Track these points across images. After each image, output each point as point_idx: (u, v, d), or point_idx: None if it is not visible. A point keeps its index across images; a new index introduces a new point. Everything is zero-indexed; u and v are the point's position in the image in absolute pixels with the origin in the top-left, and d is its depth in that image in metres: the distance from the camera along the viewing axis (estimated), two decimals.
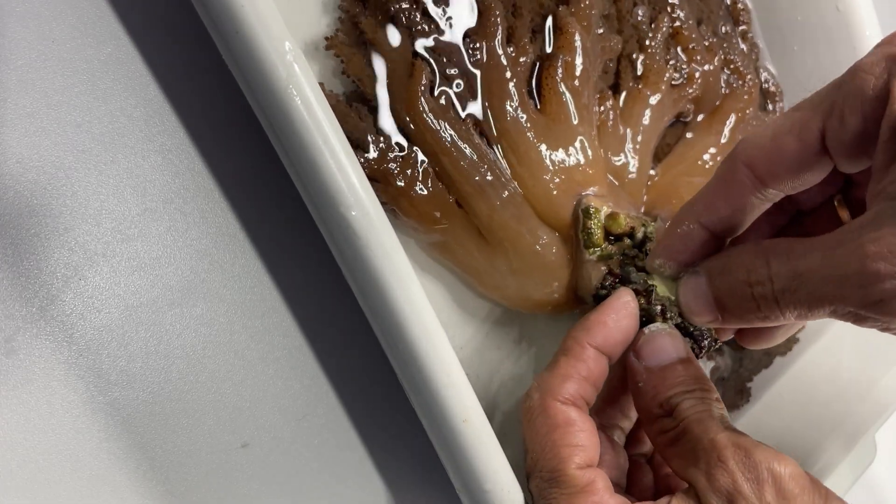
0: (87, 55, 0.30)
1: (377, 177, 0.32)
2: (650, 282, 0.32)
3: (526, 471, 0.30)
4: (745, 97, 0.41)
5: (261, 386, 0.33)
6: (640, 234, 0.34)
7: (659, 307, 0.32)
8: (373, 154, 0.31)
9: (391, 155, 0.32)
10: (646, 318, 0.32)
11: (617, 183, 0.37)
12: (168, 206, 0.31)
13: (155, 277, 0.31)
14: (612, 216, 0.34)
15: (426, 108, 0.32)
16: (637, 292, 0.32)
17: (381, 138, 0.32)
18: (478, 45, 0.33)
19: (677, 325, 0.32)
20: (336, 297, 0.34)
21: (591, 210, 0.34)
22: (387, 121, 0.32)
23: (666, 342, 0.31)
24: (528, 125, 0.34)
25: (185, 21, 0.32)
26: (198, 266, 0.32)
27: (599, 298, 0.33)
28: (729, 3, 0.43)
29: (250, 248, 0.33)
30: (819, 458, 0.38)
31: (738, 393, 0.42)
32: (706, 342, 0.33)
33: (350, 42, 0.32)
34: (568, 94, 0.35)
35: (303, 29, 0.32)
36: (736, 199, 0.28)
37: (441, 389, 0.28)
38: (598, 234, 0.34)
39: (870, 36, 0.40)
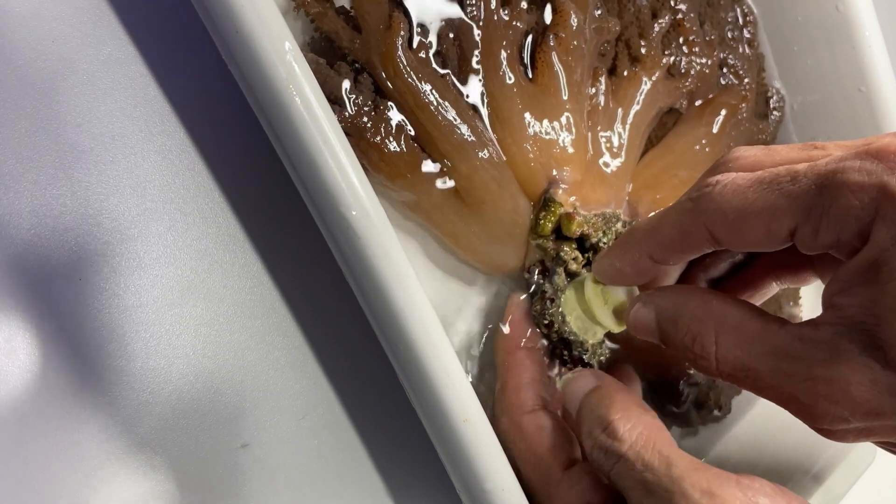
0: (87, 55, 0.30)
1: (349, 130, 0.31)
2: (561, 294, 0.33)
3: (529, 491, 0.30)
4: (740, 95, 0.42)
5: (261, 386, 0.33)
6: (593, 240, 0.34)
7: (546, 322, 0.33)
8: (348, 109, 0.31)
9: (365, 109, 0.31)
10: (535, 322, 0.34)
11: (603, 166, 0.37)
12: (168, 206, 0.32)
13: (155, 277, 0.31)
14: (567, 217, 0.33)
15: (404, 62, 0.31)
16: (543, 295, 0.33)
17: (357, 93, 0.31)
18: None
19: (561, 339, 0.33)
20: (336, 297, 0.34)
21: (552, 203, 0.34)
22: (363, 76, 0.32)
23: (574, 386, 0.31)
24: (516, 90, 0.33)
25: (185, 21, 0.32)
26: (198, 266, 0.32)
27: (524, 281, 0.35)
28: (739, 13, 0.43)
29: (250, 248, 0.33)
30: (818, 459, 0.38)
31: (721, 405, 0.42)
32: (593, 363, 0.34)
33: None
34: (560, 68, 0.34)
35: None
36: (690, 249, 0.28)
37: (441, 389, 0.28)
38: (545, 226, 0.34)
39: (869, 36, 0.40)
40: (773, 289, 0.31)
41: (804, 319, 0.26)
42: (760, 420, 0.41)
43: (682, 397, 0.39)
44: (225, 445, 0.32)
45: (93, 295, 0.30)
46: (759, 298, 0.32)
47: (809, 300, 0.44)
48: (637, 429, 0.28)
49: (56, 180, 0.30)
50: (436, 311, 0.34)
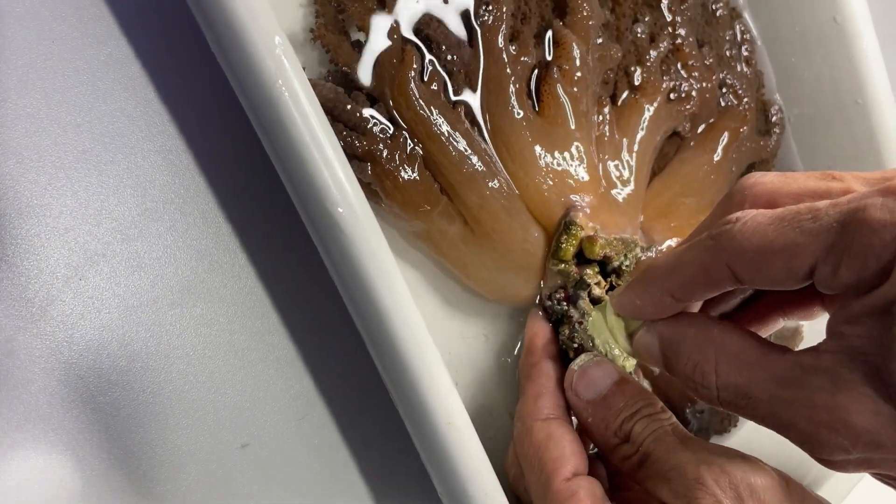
0: (87, 55, 0.30)
1: (366, 157, 0.31)
2: (588, 317, 0.33)
3: (532, 499, 0.31)
4: (741, 116, 0.42)
5: (261, 386, 0.33)
6: (615, 263, 0.34)
7: (576, 345, 0.33)
8: (364, 135, 0.31)
9: (381, 136, 0.31)
10: (565, 347, 0.33)
11: (616, 193, 0.37)
12: (168, 207, 0.32)
13: (155, 277, 0.31)
14: (590, 240, 0.33)
15: (416, 95, 0.32)
16: (570, 319, 0.33)
17: (373, 122, 0.32)
18: (490, 6, 0.33)
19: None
20: (337, 298, 0.34)
21: (573, 227, 0.33)
22: (377, 105, 0.32)
23: (597, 372, 0.31)
24: (525, 124, 0.34)
25: (186, 22, 0.32)
26: (198, 266, 0.32)
27: (545, 308, 0.34)
28: (737, 31, 0.43)
29: (250, 249, 0.33)
30: (811, 468, 0.38)
31: (726, 418, 0.42)
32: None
33: (335, 30, 0.32)
34: (566, 99, 0.35)
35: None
36: (712, 287, 0.28)
37: (424, 391, 0.28)
38: (567, 250, 0.33)
39: (866, 47, 0.40)
40: (780, 323, 0.32)
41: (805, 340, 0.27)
42: (756, 431, 0.41)
43: (689, 426, 0.39)
44: (225, 445, 0.32)
45: (93, 295, 0.30)
46: (766, 332, 0.32)
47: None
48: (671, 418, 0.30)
49: (56, 180, 0.30)
50: (444, 339, 0.34)
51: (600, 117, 0.37)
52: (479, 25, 0.33)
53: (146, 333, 0.31)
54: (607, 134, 0.37)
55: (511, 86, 0.34)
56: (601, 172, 0.36)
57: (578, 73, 0.35)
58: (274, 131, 0.26)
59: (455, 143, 0.32)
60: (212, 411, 0.32)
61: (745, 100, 0.42)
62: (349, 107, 0.31)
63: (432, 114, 0.32)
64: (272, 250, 0.33)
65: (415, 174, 0.32)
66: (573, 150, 0.34)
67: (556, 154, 0.34)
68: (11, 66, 0.29)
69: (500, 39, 0.33)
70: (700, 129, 0.41)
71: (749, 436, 0.38)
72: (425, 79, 0.32)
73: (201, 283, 0.32)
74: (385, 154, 0.31)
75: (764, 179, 0.28)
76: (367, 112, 0.32)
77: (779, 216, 0.25)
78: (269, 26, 0.25)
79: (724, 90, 0.42)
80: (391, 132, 0.32)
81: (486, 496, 0.29)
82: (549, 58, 0.35)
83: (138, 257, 0.31)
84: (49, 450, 0.29)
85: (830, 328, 0.24)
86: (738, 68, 0.43)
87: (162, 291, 0.31)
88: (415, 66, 0.32)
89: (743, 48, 0.43)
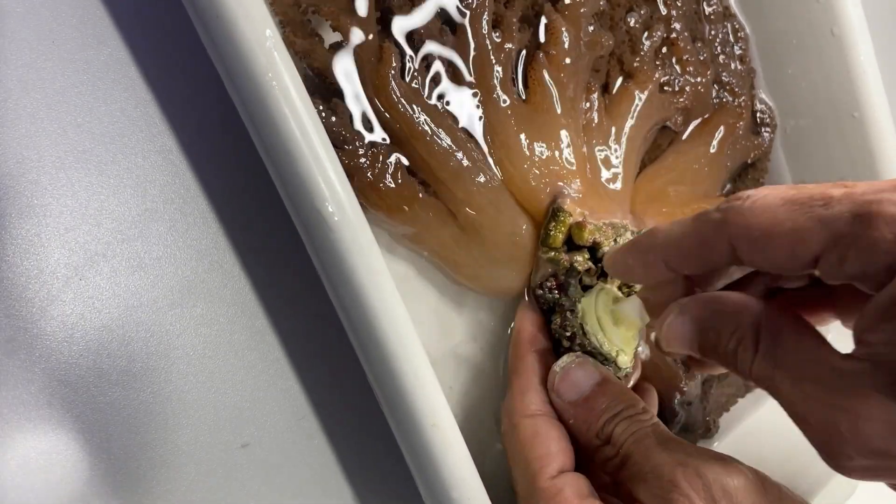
0: (87, 56, 0.30)
1: (350, 172, 0.31)
2: (579, 305, 0.33)
3: (518, 497, 0.31)
4: (737, 112, 0.42)
5: (261, 386, 0.33)
6: (605, 248, 0.33)
7: (568, 334, 0.33)
8: (342, 150, 0.31)
9: (362, 150, 0.31)
10: (557, 336, 0.33)
11: (604, 180, 0.36)
12: (168, 207, 0.32)
13: (155, 277, 0.31)
14: (578, 225, 0.33)
15: (397, 93, 0.31)
16: (562, 308, 0.33)
17: (353, 132, 0.31)
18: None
19: (585, 352, 0.33)
20: None
21: (560, 213, 0.33)
22: (357, 110, 0.31)
23: (579, 374, 0.31)
24: (510, 112, 0.33)
25: (185, 21, 0.32)
26: (198, 266, 0.32)
27: (536, 297, 0.34)
28: (730, 29, 0.43)
29: (251, 248, 0.33)
30: (799, 484, 0.37)
31: (713, 424, 0.42)
32: (620, 376, 0.33)
33: (303, 34, 0.31)
34: (553, 86, 0.34)
35: None
36: (708, 261, 0.27)
37: (409, 391, 0.27)
38: (556, 237, 0.33)
39: (864, 61, 0.40)
40: None
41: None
42: (740, 445, 0.41)
43: (677, 418, 0.39)
44: (225, 445, 0.32)
45: (93, 295, 0.30)
46: None
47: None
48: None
49: (56, 180, 0.30)
50: (437, 338, 0.34)
51: (588, 104, 0.36)
52: (464, 8, 0.33)
53: (146, 333, 0.31)
54: (595, 120, 0.36)
55: (495, 74, 0.33)
56: (588, 159, 0.36)
57: (567, 59, 0.34)
58: (263, 126, 0.26)
59: (439, 140, 0.32)
60: (212, 411, 0.32)
61: (743, 97, 0.42)
62: (337, 124, 0.31)
63: (415, 112, 0.31)
64: (273, 250, 0.33)
65: (398, 181, 0.32)
66: (559, 136, 0.34)
67: (542, 141, 0.34)
68: (11, 66, 0.29)
69: (484, 26, 0.33)
70: (694, 125, 0.41)
71: (748, 436, 0.38)
72: (406, 77, 0.32)
73: (201, 283, 0.32)
74: (366, 164, 0.31)
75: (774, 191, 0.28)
76: (347, 120, 0.31)
77: (791, 198, 0.24)
78: (261, 18, 0.25)
79: (718, 88, 0.42)
80: (370, 142, 0.31)
81: (469, 501, 0.28)
82: (538, 41, 0.35)
83: (138, 257, 0.31)
84: (49, 450, 0.29)
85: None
86: (733, 66, 0.43)
87: (162, 291, 0.31)
88: (394, 63, 0.31)
89: (736, 46, 0.43)
